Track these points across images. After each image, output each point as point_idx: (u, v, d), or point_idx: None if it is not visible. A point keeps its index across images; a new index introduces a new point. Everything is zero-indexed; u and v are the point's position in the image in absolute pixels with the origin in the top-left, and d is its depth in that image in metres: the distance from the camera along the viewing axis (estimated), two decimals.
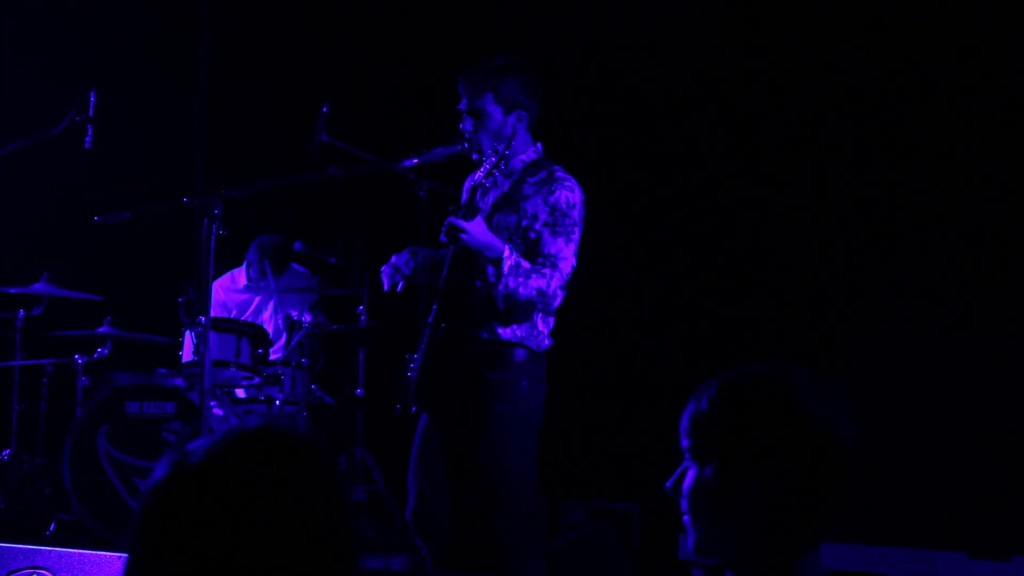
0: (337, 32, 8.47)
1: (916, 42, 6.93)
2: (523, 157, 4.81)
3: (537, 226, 4.64)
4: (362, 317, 6.94)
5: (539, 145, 4.87)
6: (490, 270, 4.57)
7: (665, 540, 6.82)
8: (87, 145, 6.43)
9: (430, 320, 4.72)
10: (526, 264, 4.54)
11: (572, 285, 4.70)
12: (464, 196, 4.99)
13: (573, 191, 4.68)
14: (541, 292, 4.56)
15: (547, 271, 4.57)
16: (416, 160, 4.97)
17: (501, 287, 4.53)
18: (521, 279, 4.51)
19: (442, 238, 4.55)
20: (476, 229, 4.49)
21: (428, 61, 8.07)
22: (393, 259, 4.86)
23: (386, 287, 4.84)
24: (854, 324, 7.20)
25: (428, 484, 4.72)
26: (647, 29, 7.62)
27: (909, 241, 7.03)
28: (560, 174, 4.71)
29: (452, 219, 4.50)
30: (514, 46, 7.78)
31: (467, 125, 4.79)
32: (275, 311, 7.64)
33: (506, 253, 4.50)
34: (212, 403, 6.69)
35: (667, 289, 7.66)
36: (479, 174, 4.74)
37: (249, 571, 1.54)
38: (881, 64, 7.07)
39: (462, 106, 4.82)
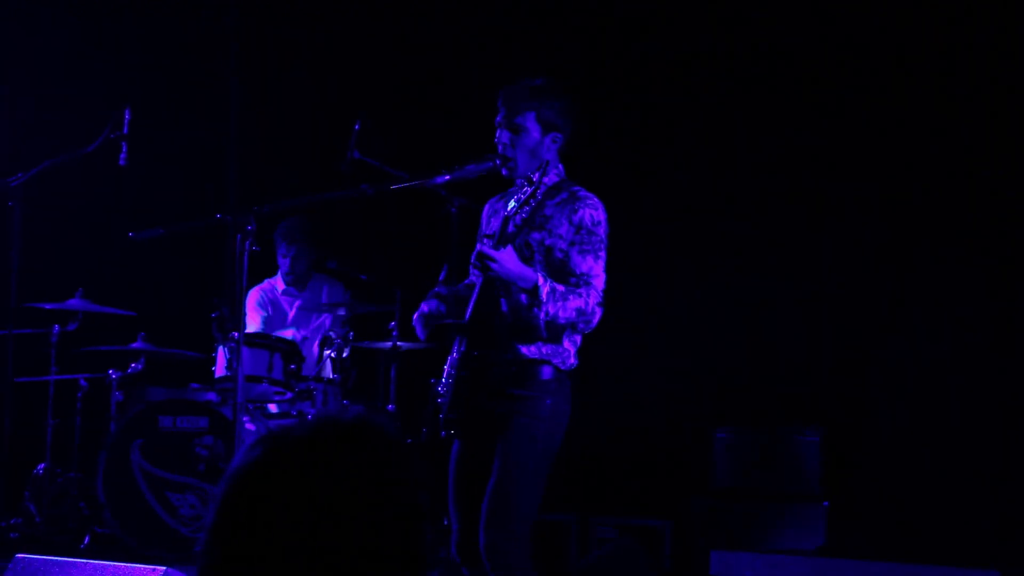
0: (369, 50, 8.51)
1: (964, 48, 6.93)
2: (547, 180, 4.79)
3: (563, 245, 4.62)
4: (394, 333, 6.97)
5: (561, 167, 4.86)
6: (523, 297, 4.58)
7: (696, 557, 6.81)
8: (122, 162, 6.48)
9: (459, 348, 4.73)
10: (560, 287, 4.51)
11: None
12: (483, 220, 5.01)
13: (597, 209, 4.67)
14: (580, 311, 4.54)
15: (582, 290, 4.55)
16: (448, 177, 4.97)
17: (542, 314, 4.51)
18: (560, 303, 4.50)
19: (472, 268, 4.53)
20: (507, 259, 4.46)
21: (459, 78, 8.10)
22: (423, 308, 4.89)
23: (421, 336, 4.88)
24: (887, 343, 7.18)
25: (468, 513, 4.69)
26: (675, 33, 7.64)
27: (950, 261, 7.02)
28: (583, 193, 4.69)
29: (482, 248, 4.49)
30: (545, 65, 7.83)
31: (503, 137, 4.77)
32: (299, 325, 7.67)
33: (540, 281, 4.47)
34: (245, 418, 6.72)
35: (697, 306, 7.66)
36: (511, 202, 4.73)
37: (326, 557, 1.55)
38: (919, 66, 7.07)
39: (499, 119, 4.81)
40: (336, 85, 8.53)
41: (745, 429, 7.18)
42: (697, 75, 7.67)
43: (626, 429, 7.67)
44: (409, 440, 6.95)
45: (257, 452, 1.61)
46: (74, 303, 7.20)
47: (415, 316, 4.90)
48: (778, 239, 7.49)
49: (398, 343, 6.98)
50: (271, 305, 7.74)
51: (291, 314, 7.74)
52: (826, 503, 6.89)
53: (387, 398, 7.17)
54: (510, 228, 4.59)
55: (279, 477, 1.58)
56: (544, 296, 4.47)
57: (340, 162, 6.55)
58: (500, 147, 4.78)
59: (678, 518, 7.23)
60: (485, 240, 4.69)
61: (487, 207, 5.06)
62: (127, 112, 6.49)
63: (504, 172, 4.81)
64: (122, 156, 6.48)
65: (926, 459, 6.95)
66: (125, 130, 6.49)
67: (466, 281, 5.11)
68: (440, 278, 6.59)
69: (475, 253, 4.54)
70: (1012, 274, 6.86)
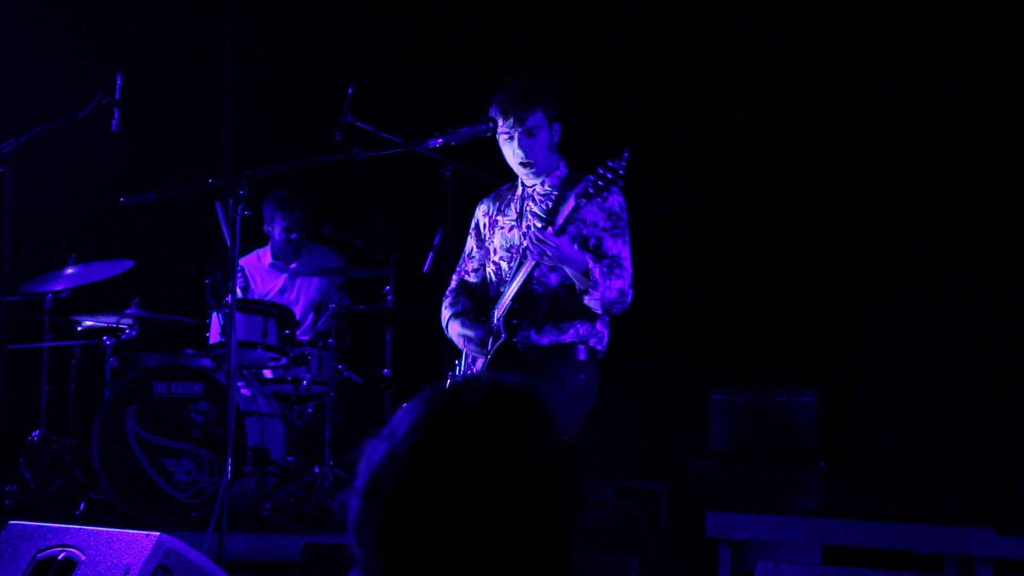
0: (363, 13, 8.46)
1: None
2: (559, 173, 4.90)
3: (596, 232, 4.74)
4: (388, 297, 6.96)
5: (562, 157, 4.94)
6: (553, 281, 4.71)
7: (693, 519, 6.82)
8: (114, 128, 6.45)
9: (493, 340, 4.78)
10: (605, 269, 4.67)
11: None
12: (482, 224, 5.04)
13: (620, 196, 4.79)
14: (621, 292, 4.73)
15: (618, 271, 4.72)
16: (440, 140, 4.98)
17: (596, 295, 4.66)
18: (606, 283, 4.61)
19: (533, 255, 4.55)
20: (564, 244, 4.57)
21: (452, 42, 8.07)
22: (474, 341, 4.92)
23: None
24: (883, 304, 7.17)
25: None
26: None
27: (944, 223, 7.01)
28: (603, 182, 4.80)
29: (541, 234, 4.53)
30: (540, 32, 7.79)
31: (522, 144, 4.81)
32: (300, 291, 7.65)
33: (591, 264, 4.59)
34: (239, 383, 6.71)
35: (694, 267, 7.65)
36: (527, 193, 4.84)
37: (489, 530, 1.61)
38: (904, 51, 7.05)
39: (506, 128, 4.83)
40: (330, 50, 8.48)
41: (742, 391, 7.18)
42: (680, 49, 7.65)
43: (624, 391, 7.66)
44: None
45: (428, 420, 1.66)
46: (67, 272, 7.17)
47: (462, 344, 4.96)
48: (775, 202, 7.47)
49: (393, 307, 6.96)
50: (246, 279, 7.70)
51: (276, 286, 7.69)
52: (823, 464, 6.89)
53: (382, 362, 7.17)
54: (558, 221, 4.61)
55: (453, 445, 1.64)
56: (597, 277, 4.57)
57: (333, 127, 6.53)
58: (524, 154, 4.81)
59: (675, 480, 7.25)
60: (535, 225, 4.71)
61: (483, 206, 5.10)
62: (119, 77, 6.45)
63: (529, 172, 4.87)
64: (114, 122, 6.44)
65: (922, 419, 6.95)
66: (117, 95, 6.45)
67: (466, 254, 5.13)
68: (435, 242, 6.60)
69: (532, 237, 4.56)
70: (1007, 234, 6.84)
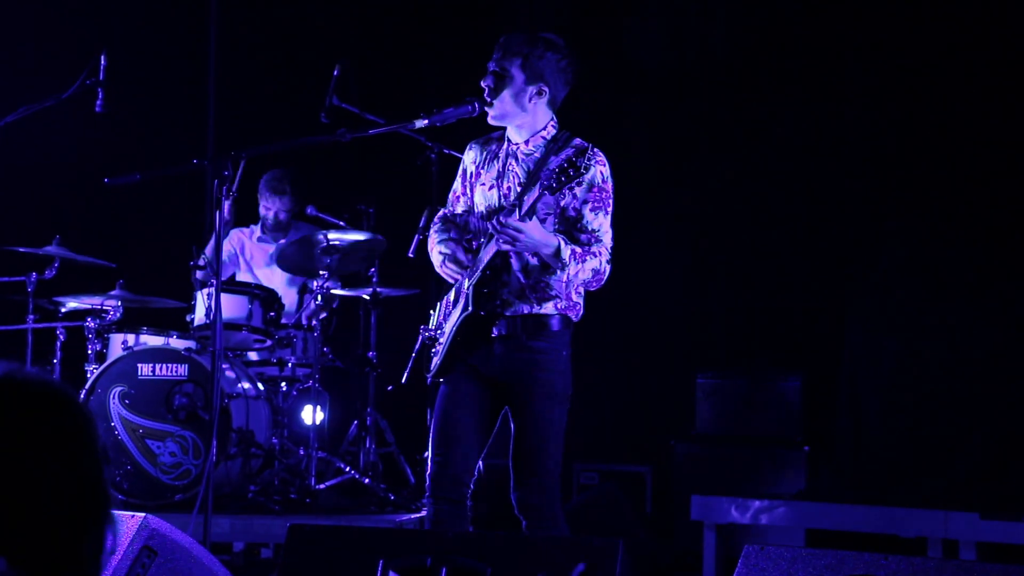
0: None
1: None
2: (543, 134, 4.77)
3: (576, 204, 4.63)
4: (374, 280, 6.95)
5: (554, 118, 4.82)
6: (533, 260, 4.62)
7: (677, 503, 6.83)
8: (98, 109, 6.42)
9: (462, 304, 4.69)
10: (579, 249, 4.56)
11: None
12: (471, 167, 4.94)
13: (605, 164, 4.67)
14: (595, 271, 4.61)
15: (595, 248, 4.60)
16: (426, 121, 4.93)
17: (564, 276, 4.58)
18: (579, 265, 4.55)
19: (501, 243, 4.47)
20: (534, 230, 4.47)
21: (438, 24, 8.05)
22: (446, 250, 4.83)
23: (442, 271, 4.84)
24: (866, 288, 7.19)
25: (448, 451, 4.70)
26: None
27: (926, 208, 7.03)
28: (588, 149, 4.67)
29: (509, 221, 4.45)
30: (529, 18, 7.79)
31: (488, 80, 4.75)
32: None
33: (562, 245, 4.51)
34: (224, 366, 6.70)
35: (678, 252, 7.66)
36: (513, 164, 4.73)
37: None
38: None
39: (491, 65, 4.78)
40: (316, 31, 8.46)
41: (726, 375, 7.19)
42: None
43: (608, 375, 7.68)
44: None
45: None
46: (51, 249, 7.13)
47: (440, 263, 4.85)
48: (758, 187, 7.48)
49: (378, 290, 6.96)
50: (238, 257, 7.68)
51: (264, 258, 7.67)
52: (807, 448, 6.91)
53: (367, 345, 7.16)
54: (529, 198, 4.52)
55: None
56: (567, 259, 4.51)
57: (320, 108, 6.52)
58: (485, 90, 4.75)
59: (659, 464, 7.26)
60: (505, 211, 4.61)
61: (471, 152, 5.00)
62: (103, 57, 6.42)
63: (487, 110, 4.77)
64: (98, 103, 6.41)
65: (906, 403, 6.98)
66: (102, 76, 6.42)
67: (454, 192, 5.02)
68: (420, 224, 6.59)
69: (500, 226, 4.46)
70: (989, 219, 6.86)
